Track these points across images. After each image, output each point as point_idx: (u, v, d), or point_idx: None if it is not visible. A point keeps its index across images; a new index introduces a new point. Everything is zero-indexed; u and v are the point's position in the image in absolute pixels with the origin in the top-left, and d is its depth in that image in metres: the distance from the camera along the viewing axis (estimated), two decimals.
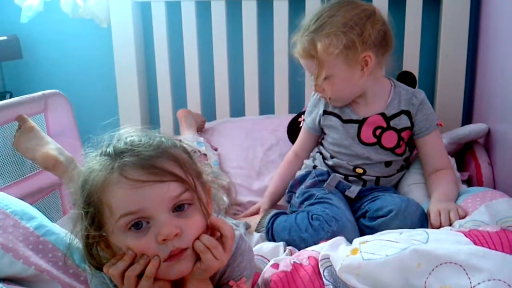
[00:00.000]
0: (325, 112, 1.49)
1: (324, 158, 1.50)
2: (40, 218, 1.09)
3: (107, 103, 2.16)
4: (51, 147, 1.45)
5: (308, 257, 1.03)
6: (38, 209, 1.15)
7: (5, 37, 2.09)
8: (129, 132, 0.88)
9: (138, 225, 0.81)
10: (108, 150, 0.84)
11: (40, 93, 1.56)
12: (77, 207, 0.84)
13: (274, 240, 1.32)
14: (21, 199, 1.15)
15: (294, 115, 1.79)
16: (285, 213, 1.42)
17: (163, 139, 0.87)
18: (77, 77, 2.20)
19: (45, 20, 2.12)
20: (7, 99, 1.54)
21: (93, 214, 0.82)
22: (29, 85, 2.15)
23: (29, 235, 1.03)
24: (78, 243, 0.89)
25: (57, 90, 1.63)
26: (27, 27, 2.10)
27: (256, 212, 1.53)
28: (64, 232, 1.07)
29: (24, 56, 2.15)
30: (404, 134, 1.45)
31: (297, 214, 1.34)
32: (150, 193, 0.80)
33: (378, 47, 1.38)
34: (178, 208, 0.83)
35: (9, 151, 1.47)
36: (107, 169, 0.81)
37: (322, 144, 1.53)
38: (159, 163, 0.82)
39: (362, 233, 1.25)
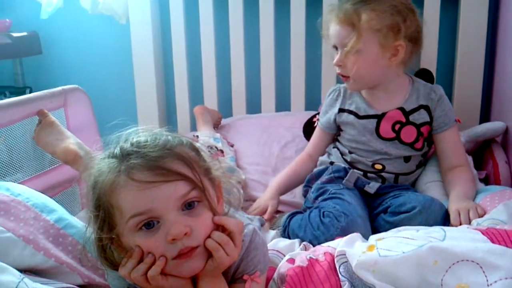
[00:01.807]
0: (341, 110, 1.49)
1: (342, 154, 1.50)
2: (60, 211, 1.10)
3: (125, 98, 2.18)
4: (71, 141, 1.46)
5: (324, 253, 1.03)
6: (58, 203, 1.16)
7: (25, 33, 2.11)
8: (136, 131, 0.89)
9: (149, 225, 0.82)
10: (115, 151, 0.86)
11: (60, 88, 1.58)
12: (88, 210, 0.86)
13: (289, 238, 1.32)
14: (41, 193, 1.17)
15: (311, 112, 1.80)
16: (300, 213, 1.42)
17: (169, 137, 0.88)
18: (95, 72, 2.22)
19: (64, 16, 2.14)
20: (27, 94, 1.56)
21: (103, 217, 0.84)
22: (49, 81, 2.17)
23: (50, 228, 1.05)
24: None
25: (77, 86, 1.65)
26: (47, 23, 2.12)
27: (264, 212, 1.49)
28: (83, 225, 1.09)
29: (43, 51, 2.18)
30: (424, 129, 1.45)
31: (310, 212, 1.35)
32: (158, 193, 0.81)
33: (411, 43, 1.39)
34: (188, 206, 0.84)
35: (29, 146, 1.49)
36: (115, 172, 0.83)
37: (338, 141, 1.53)
38: (165, 163, 0.82)
39: (381, 229, 1.24)
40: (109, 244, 0.86)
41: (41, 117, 1.48)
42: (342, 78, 1.45)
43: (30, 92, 1.98)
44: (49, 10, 2.05)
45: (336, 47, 1.43)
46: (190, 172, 0.84)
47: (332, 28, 1.42)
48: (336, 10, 1.41)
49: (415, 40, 1.40)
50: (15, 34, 2.07)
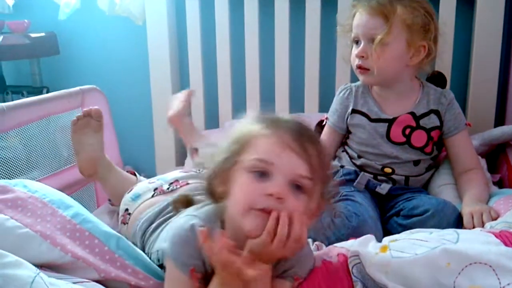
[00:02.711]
0: (354, 111, 1.49)
1: (351, 158, 1.50)
2: (77, 207, 1.12)
3: (141, 99, 2.20)
4: (104, 158, 1.46)
5: (338, 254, 1.04)
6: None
7: (43, 34, 2.14)
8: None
9: (262, 174, 0.89)
10: (271, 116, 0.97)
11: (77, 88, 1.60)
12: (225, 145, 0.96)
13: None
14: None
15: (325, 114, 1.80)
16: None
17: (317, 137, 0.98)
18: (112, 73, 2.24)
19: (82, 17, 2.17)
20: (44, 93, 1.59)
21: (237, 147, 0.93)
22: (66, 81, 2.19)
23: (66, 223, 1.06)
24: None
25: (94, 86, 1.67)
26: (65, 24, 2.14)
27: None
28: (99, 221, 1.11)
29: (61, 52, 2.20)
30: (434, 134, 1.44)
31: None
32: (286, 157, 0.89)
33: (433, 45, 1.40)
34: (295, 187, 0.90)
35: (47, 144, 1.51)
36: (266, 124, 0.94)
37: (347, 144, 1.53)
38: (306, 143, 0.91)
39: (394, 232, 1.24)
40: (214, 179, 0.95)
41: (96, 118, 1.44)
42: (359, 70, 1.43)
43: (47, 92, 2.01)
44: (67, 11, 2.07)
45: (357, 40, 1.42)
46: (316, 166, 0.91)
47: (359, 18, 1.41)
48: (367, 0, 1.39)
49: (435, 43, 1.41)
50: (33, 35, 2.10)
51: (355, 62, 1.42)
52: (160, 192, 1.26)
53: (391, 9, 1.35)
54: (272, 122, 0.94)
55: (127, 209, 1.29)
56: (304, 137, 0.92)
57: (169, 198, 1.19)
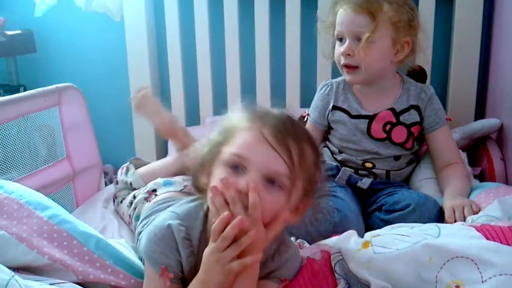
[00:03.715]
0: (334, 107, 1.49)
1: (332, 153, 1.50)
2: (55, 207, 1.10)
3: (119, 97, 2.15)
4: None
5: (321, 251, 1.03)
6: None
7: (19, 31, 2.10)
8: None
9: (237, 167, 0.89)
10: (260, 110, 0.97)
11: (54, 86, 1.57)
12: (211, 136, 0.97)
13: None
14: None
15: (305, 109, 1.79)
16: None
17: (307, 134, 0.96)
18: (90, 70, 2.21)
19: (58, 14, 2.13)
20: (21, 92, 1.56)
21: (221, 140, 0.94)
22: (43, 79, 2.16)
23: (44, 225, 1.04)
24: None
25: (71, 84, 1.64)
26: (41, 21, 2.11)
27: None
28: (78, 221, 1.09)
29: (38, 49, 2.17)
30: (414, 129, 1.45)
31: None
32: (263, 152, 0.89)
33: (416, 41, 1.41)
34: (270, 182, 0.89)
35: (24, 144, 1.48)
36: (252, 118, 0.93)
37: (328, 140, 1.53)
38: (288, 139, 0.90)
39: (376, 227, 1.24)
40: (207, 161, 0.94)
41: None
42: (347, 70, 1.41)
43: (24, 90, 1.97)
44: (43, 8, 2.04)
45: (340, 38, 1.41)
46: (295, 163, 0.90)
47: (343, 15, 1.39)
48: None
49: (416, 38, 1.41)
50: (9, 32, 2.06)
51: (341, 61, 1.41)
52: (188, 189, 1.27)
53: (377, 7, 1.34)
54: (258, 116, 0.94)
55: (155, 190, 1.32)
56: (287, 133, 0.91)
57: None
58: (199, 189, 0.97)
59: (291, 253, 0.98)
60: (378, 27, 1.34)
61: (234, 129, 0.94)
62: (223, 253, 0.86)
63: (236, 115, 0.97)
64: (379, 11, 1.34)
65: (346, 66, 1.40)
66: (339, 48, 1.40)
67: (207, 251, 0.88)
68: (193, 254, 0.94)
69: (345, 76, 1.44)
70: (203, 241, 0.93)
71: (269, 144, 0.89)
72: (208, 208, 0.95)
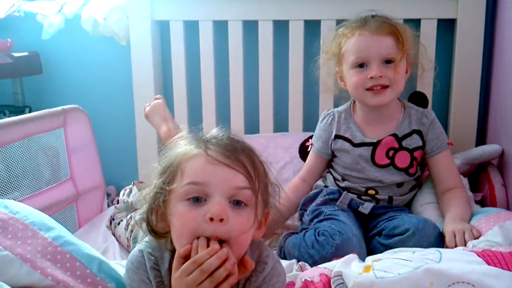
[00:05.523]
0: (337, 136, 1.50)
1: (335, 179, 1.51)
2: (59, 228, 1.10)
3: (124, 119, 2.18)
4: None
5: (320, 274, 1.03)
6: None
7: (26, 53, 2.13)
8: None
9: (197, 199, 0.87)
10: (200, 135, 0.96)
11: (59, 108, 1.59)
12: (160, 165, 0.94)
13: (285, 258, 1.33)
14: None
15: (308, 133, 1.80)
16: (296, 233, 1.42)
17: (250, 146, 0.95)
18: (95, 93, 2.23)
19: (66, 37, 2.16)
20: (26, 113, 1.58)
21: (168, 175, 0.91)
22: (49, 100, 2.17)
23: (48, 245, 1.04)
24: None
25: (77, 106, 1.66)
26: (48, 43, 2.14)
27: None
28: (81, 243, 1.09)
29: (44, 71, 2.19)
30: (417, 154, 1.46)
31: (306, 231, 1.35)
32: (219, 172, 0.87)
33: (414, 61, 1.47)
34: (236, 203, 0.88)
35: (28, 165, 1.49)
36: (195, 145, 0.92)
37: (332, 167, 1.54)
38: (237, 154, 0.89)
39: (377, 251, 1.24)
40: (154, 213, 0.92)
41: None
42: (372, 92, 1.39)
43: (30, 112, 1.99)
44: (51, 31, 2.06)
45: (361, 64, 1.39)
46: (254, 175, 0.89)
47: (363, 41, 1.39)
48: (370, 23, 1.40)
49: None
50: (16, 54, 2.08)
51: (366, 85, 1.39)
52: None
53: (401, 28, 1.40)
54: (200, 141, 0.93)
55: None
56: (235, 149, 0.90)
57: None
58: (158, 234, 0.93)
59: (267, 271, 0.94)
60: (403, 46, 1.38)
61: (179, 163, 0.90)
62: (199, 286, 0.83)
63: (173, 152, 0.93)
64: (404, 32, 1.40)
65: (372, 88, 1.39)
66: (363, 73, 1.39)
67: (175, 275, 0.86)
68: (163, 285, 0.93)
69: (371, 100, 1.41)
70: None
71: (222, 163, 0.88)
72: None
